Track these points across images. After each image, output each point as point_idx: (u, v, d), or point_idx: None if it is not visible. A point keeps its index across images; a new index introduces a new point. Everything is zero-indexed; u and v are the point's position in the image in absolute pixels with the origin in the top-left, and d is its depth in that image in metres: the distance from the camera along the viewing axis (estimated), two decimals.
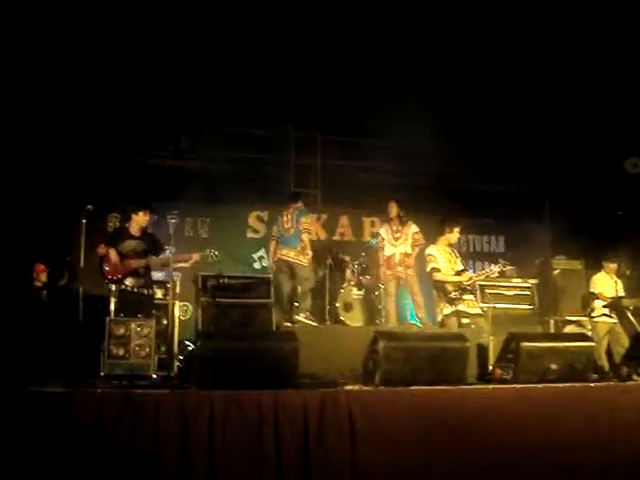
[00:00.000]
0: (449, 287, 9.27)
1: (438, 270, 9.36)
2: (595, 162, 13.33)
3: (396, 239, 10.20)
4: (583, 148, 13.26)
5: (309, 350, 7.14)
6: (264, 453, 5.93)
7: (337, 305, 10.71)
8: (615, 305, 10.46)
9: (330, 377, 7.28)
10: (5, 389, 5.95)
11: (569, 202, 13.61)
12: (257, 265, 12.70)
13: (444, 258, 9.50)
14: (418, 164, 13.15)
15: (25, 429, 5.65)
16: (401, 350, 6.98)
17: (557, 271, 11.17)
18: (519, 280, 10.83)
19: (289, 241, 10.29)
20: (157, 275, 9.56)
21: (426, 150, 13.10)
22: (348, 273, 11.27)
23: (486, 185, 13.78)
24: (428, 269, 9.53)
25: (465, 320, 9.22)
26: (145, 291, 8.71)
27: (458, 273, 9.44)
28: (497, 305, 9.99)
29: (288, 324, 9.59)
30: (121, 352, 7.33)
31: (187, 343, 9.44)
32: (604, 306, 10.44)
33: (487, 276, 9.71)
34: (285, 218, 10.42)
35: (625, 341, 9.92)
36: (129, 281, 8.62)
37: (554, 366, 7.34)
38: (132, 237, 8.83)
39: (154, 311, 8.74)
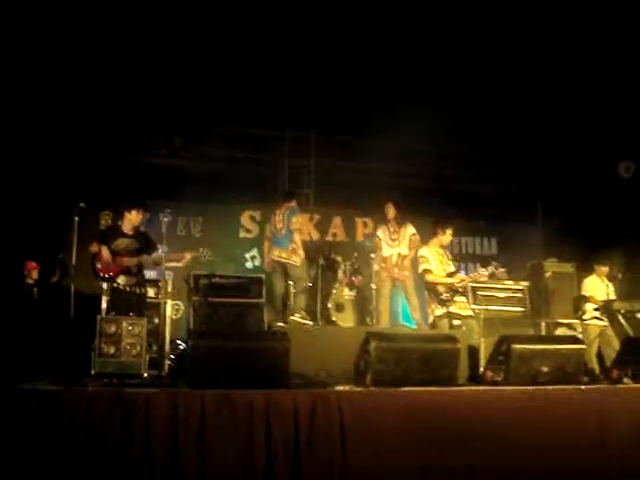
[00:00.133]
0: (441, 288, 9.28)
1: (430, 271, 9.37)
2: (588, 165, 13.36)
3: (393, 240, 10.19)
4: (576, 151, 13.28)
5: (300, 350, 7.14)
6: (255, 453, 5.94)
7: (329, 306, 10.71)
8: (606, 308, 10.47)
9: (321, 377, 7.28)
10: None
11: (561, 205, 13.64)
12: (249, 265, 12.69)
13: (436, 260, 9.51)
14: (411, 165, 13.16)
15: (16, 427, 5.65)
16: (392, 351, 7.00)
17: (549, 273, 11.17)
18: (511, 282, 10.84)
19: (281, 241, 10.27)
20: (149, 274, 9.55)
21: (420, 151, 13.14)
22: (340, 274, 11.26)
23: (479, 187, 13.79)
24: (420, 270, 9.54)
25: (456, 322, 9.23)
26: (137, 290, 8.68)
27: (450, 275, 9.45)
28: (489, 307, 10.00)
29: (280, 324, 9.58)
30: (112, 350, 7.31)
31: (178, 342, 9.43)
32: (595, 309, 10.46)
33: (476, 279, 9.72)
34: (277, 218, 10.40)
35: (616, 344, 9.92)
36: (121, 279, 8.59)
37: (545, 368, 7.36)
38: (125, 235, 8.80)
39: (146, 310, 8.70)
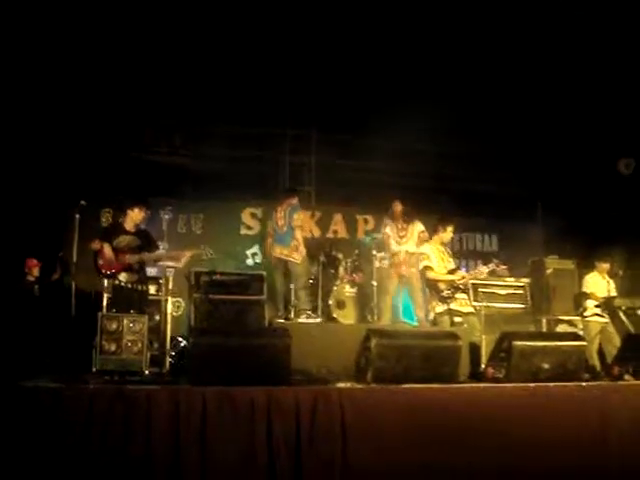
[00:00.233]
0: (441, 285, 9.29)
1: (431, 268, 9.39)
2: (588, 163, 13.34)
3: (401, 237, 10.17)
4: (576, 149, 13.27)
5: (301, 347, 7.15)
6: (256, 450, 5.94)
7: (330, 302, 10.70)
8: (607, 305, 10.48)
9: (322, 374, 7.28)
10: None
11: (562, 202, 13.63)
12: (250, 262, 12.68)
13: (437, 257, 9.52)
14: (412, 164, 13.13)
15: (17, 424, 5.65)
16: (393, 348, 7.00)
17: (550, 270, 11.17)
18: (512, 279, 10.84)
19: (282, 238, 10.27)
20: (150, 271, 9.55)
21: (420, 150, 13.12)
22: (341, 271, 11.25)
23: (480, 185, 13.76)
24: (421, 267, 9.55)
25: (457, 319, 9.24)
26: (138, 287, 8.68)
27: (451, 272, 9.45)
28: (490, 304, 9.99)
29: (281, 321, 9.58)
30: (113, 348, 7.32)
31: (179, 339, 9.43)
32: (596, 306, 10.46)
33: (477, 276, 9.73)
34: (279, 215, 10.40)
35: (617, 341, 9.93)
36: (123, 276, 8.59)
37: (546, 365, 7.36)
38: (127, 233, 8.80)
39: (147, 307, 8.70)
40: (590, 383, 7.49)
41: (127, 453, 5.74)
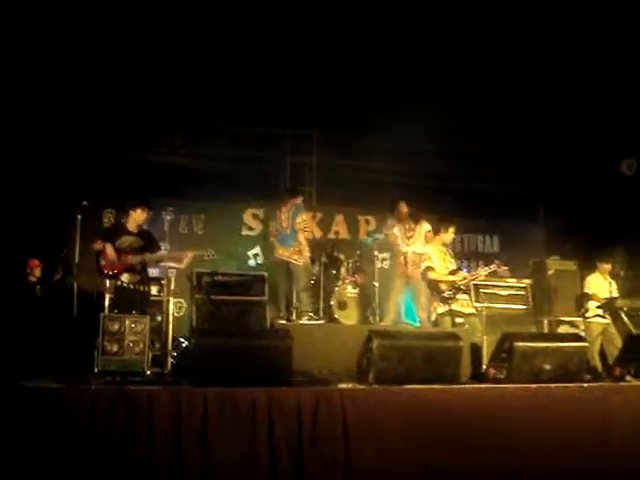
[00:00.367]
0: (443, 286, 9.30)
1: (432, 269, 9.39)
2: (590, 163, 13.34)
3: (408, 238, 10.18)
4: (578, 149, 13.27)
5: (303, 348, 7.15)
6: (258, 450, 5.95)
7: (331, 303, 10.70)
8: (609, 306, 10.47)
9: (324, 375, 7.29)
10: (0, 384, 5.95)
11: (563, 202, 13.63)
12: (252, 262, 12.68)
13: (438, 257, 9.54)
14: (414, 164, 13.14)
15: (19, 425, 5.66)
16: (395, 349, 7.01)
17: (551, 271, 11.15)
18: (513, 280, 10.82)
19: (285, 240, 10.27)
20: (152, 272, 9.55)
21: (422, 150, 13.13)
22: (342, 271, 11.25)
23: (481, 185, 13.77)
24: (422, 268, 9.55)
25: (459, 319, 9.25)
26: (140, 287, 8.68)
27: (452, 272, 9.46)
28: (491, 305, 9.98)
29: (282, 322, 9.58)
30: (115, 348, 7.32)
31: (181, 340, 9.43)
32: (598, 307, 10.45)
33: (478, 277, 9.72)
34: (283, 216, 10.39)
35: (618, 342, 9.92)
36: (125, 277, 8.58)
37: (548, 366, 7.37)
38: (129, 233, 8.80)
39: (149, 307, 8.71)
40: (591, 384, 7.50)
41: (129, 453, 5.75)
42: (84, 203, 8.88)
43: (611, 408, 7.07)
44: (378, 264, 10.67)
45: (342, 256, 11.42)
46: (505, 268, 9.84)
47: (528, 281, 10.83)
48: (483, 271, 9.60)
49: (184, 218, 12.46)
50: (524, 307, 10.34)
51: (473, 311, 9.39)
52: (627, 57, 10.96)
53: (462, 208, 12.73)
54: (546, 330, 10.67)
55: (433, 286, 9.41)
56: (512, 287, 10.41)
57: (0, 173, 10.70)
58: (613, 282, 10.81)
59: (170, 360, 8.56)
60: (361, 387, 6.87)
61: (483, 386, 7.31)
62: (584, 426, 6.91)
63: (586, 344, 8.11)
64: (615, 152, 13.38)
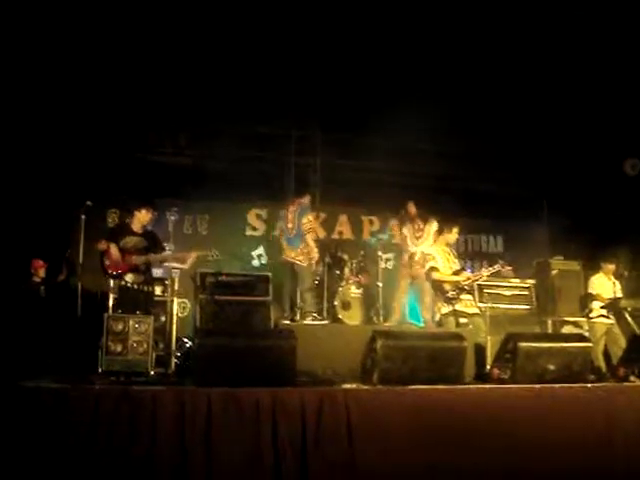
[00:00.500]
0: (447, 286, 9.28)
1: (436, 269, 9.39)
2: (594, 163, 13.33)
3: (417, 238, 10.20)
4: (582, 149, 13.25)
5: (307, 348, 7.15)
6: (262, 451, 5.94)
7: (335, 304, 10.71)
8: (613, 306, 10.46)
9: (328, 375, 7.29)
10: (2, 384, 5.95)
11: (567, 203, 13.62)
12: (256, 263, 12.70)
13: (442, 258, 9.52)
14: (417, 164, 13.14)
15: (22, 425, 5.66)
16: (399, 349, 7.01)
17: (555, 271, 11.16)
18: (517, 280, 10.84)
19: (292, 241, 10.23)
20: (156, 272, 9.56)
21: (425, 150, 13.12)
22: (346, 272, 11.26)
23: (485, 185, 13.77)
24: (426, 268, 9.55)
25: (463, 320, 9.23)
26: (145, 288, 8.69)
27: (456, 273, 9.45)
28: (495, 305, 10.00)
29: (286, 322, 9.58)
30: (119, 348, 7.33)
31: (185, 340, 9.44)
32: (602, 307, 10.44)
33: (481, 277, 9.71)
34: (289, 217, 10.35)
35: (622, 342, 9.92)
36: (129, 277, 8.58)
37: (552, 366, 7.36)
38: (134, 234, 8.81)
39: (153, 308, 8.71)
40: (595, 384, 7.49)
41: (132, 454, 5.75)
42: (88, 203, 8.89)
43: (615, 408, 7.06)
44: (382, 264, 10.69)
45: (346, 256, 11.44)
46: (509, 268, 9.84)
47: (532, 281, 10.87)
48: (487, 271, 9.59)
49: (188, 218, 12.48)
50: (528, 307, 10.39)
51: (477, 311, 9.39)
52: (630, 57, 10.94)
53: (466, 208, 12.72)
54: (550, 330, 10.68)
55: (437, 286, 9.40)
56: (516, 287, 10.47)
57: (5, 174, 10.72)
58: (617, 282, 10.81)
59: (174, 360, 8.58)
60: (365, 387, 6.86)
61: (487, 386, 7.31)
62: (588, 426, 6.90)
63: (590, 344, 8.10)
64: (619, 152, 13.37)
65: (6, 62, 10.15)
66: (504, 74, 11.52)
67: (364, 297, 10.99)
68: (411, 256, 10.16)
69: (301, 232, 10.10)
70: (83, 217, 8.86)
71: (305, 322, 9.69)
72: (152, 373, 7.42)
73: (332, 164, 13.34)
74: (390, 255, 12.09)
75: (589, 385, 7.33)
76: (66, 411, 5.76)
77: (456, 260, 9.79)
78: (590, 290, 10.71)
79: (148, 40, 10.52)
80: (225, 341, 6.76)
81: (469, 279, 9.37)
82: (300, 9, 10.21)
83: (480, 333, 9.00)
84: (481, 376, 8.02)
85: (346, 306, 10.82)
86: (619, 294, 10.68)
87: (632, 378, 8.00)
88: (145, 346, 7.40)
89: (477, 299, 9.81)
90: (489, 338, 8.87)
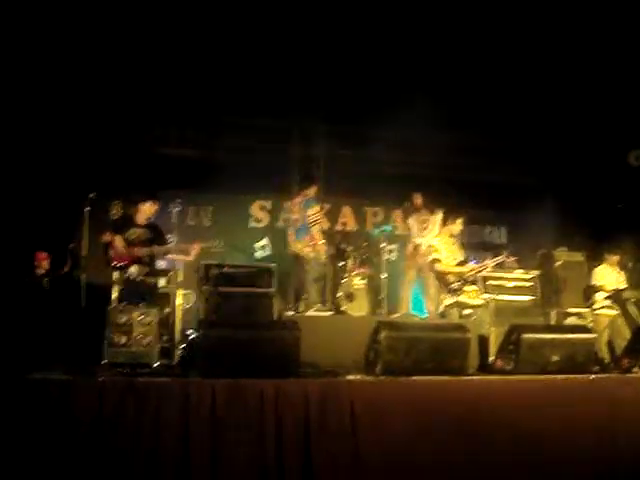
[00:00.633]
0: (450, 278, 9.29)
1: (439, 261, 9.38)
2: (598, 154, 13.30)
3: (423, 229, 10.20)
4: (586, 140, 13.23)
5: (311, 340, 7.15)
6: (265, 441, 5.96)
7: (339, 295, 10.71)
8: (617, 297, 10.46)
9: (332, 367, 7.29)
10: (7, 377, 5.97)
11: (571, 193, 13.60)
12: (259, 254, 12.71)
13: (446, 249, 9.52)
14: (421, 155, 13.13)
15: (27, 417, 5.68)
16: (403, 340, 7.01)
17: (559, 263, 11.15)
18: (521, 271, 10.82)
19: (298, 233, 10.24)
20: (160, 263, 9.57)
21: (429, 141, 13.09)
22: (350, 263, 11.25)
23: (488, 176, 13.75)
24: (429, 259, 9.55)
25: (466, 311, 9.24)
26: (149, 279, 8.70)
27: (460, 264, 9.45)
28: (499, 296, 9.98)
29: (290, 313, 9.60)
30: (123, 340, 7.33)
31: (189, 332, 9.45)
32: (606, 298, 10.44)
33: (485, 269, 9.71)
34: (295, 209, 10.34)
35: (626, 333, 9.92)
36: (133, 269, 8.60)
37: (555, 358, 7.37)
38: (138, 226, 8.82)
39: (157, 299, 8.72)
40: (599, 376, 7.49)
41: (137, 445, 5.77)
42: (92, 195, 8.89)
43: (619, 400, 7.07)
44: (385, 256, 10.67)
45: (349, 248, 11.43)
46: (513, 259, 9.84)
47: (536, 272, 10.84)
48: (491, 262, 9.60)
49: (192, 210, 12.51)
50: (532, 298, 10.34)
51: (481, 302, 9.39)
52: (635, 49, 10.91)
53: (470, 199, 12.71)
54: (554, 322, 10.67)
55: (441, 278, 9.42)
56: (520, 278, 10.42)
57: (8, 166, 10.73)
58: (621, 273, 10.80)
59: (178, 352, 8.59)
60: (369, 379, 6.88)
61: (491, 378, 7.32)
62: (592, 418, 6.91)
63: (594, 336, 8.10)
64: (623, 143, 13.34)
65: (11, 55, 10.15)
66: (508, 64, 11.49)
67: (368, 289, 10.99)
68: (416, 247, 10.16)
69: (307, 224, 10.10)
70: (87, 209, 8.85)
71: (309, 313, 9.71)
72: (156, 365, 7.42)
73: (335, 155, 13.32)
74: (394, 246, 12.08)
75: (592, 376, 7.33)
76: (71, 403, 5.78)
77: (460, 251, 9.78)
78: (594, 281, 10.71)
79: (153, 32, 10.51)
80: (229, 332, 6.77)
81: (473, 270, 9.37)
82: (305, 3, 10.22)
83: (484, 324, 9.00)
84: (485, 367, 8.03)
85: (350, 297, 10.82)
86: (623, 285, 10.68)
87: (635, 369, 7.99)
88: (149, 338, 7.41)
89: (481, 290, 9.80)
90: (493, 329, 8.86)
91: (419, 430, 6.38)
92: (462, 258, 9.67)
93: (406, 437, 6.32)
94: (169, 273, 9.66)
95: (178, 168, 12.13)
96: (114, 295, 8.57)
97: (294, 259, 10.28)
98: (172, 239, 9.03)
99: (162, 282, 9.54)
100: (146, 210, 8.88)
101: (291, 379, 6.38)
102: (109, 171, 11.34)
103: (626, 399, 7.09)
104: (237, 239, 12.26)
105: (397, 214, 13.34)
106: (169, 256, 9.31)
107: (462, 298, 9.24)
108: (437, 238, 9.68)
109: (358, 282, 11.02)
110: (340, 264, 11.15)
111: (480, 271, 9.60)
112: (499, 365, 7.56)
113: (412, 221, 10.41)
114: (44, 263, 10.63)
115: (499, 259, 9.46)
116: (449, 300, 9.31)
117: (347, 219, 13.52)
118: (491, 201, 13.75)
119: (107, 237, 8.57)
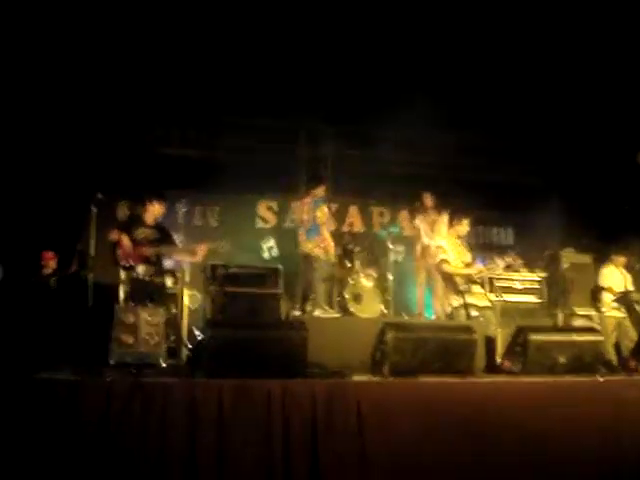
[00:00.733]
0: (458, 279, 9.27)
1: (448, 262, 9.37)
2: (605, 155, 13.28)
3: (432, 230, 10.19)
4: (593, 140, 13.21)
5: (318, 340, 7.16)
6: (273, 442, 5.96)
7: (346, 296, 10.70)
8: (624, 299, 10.44)
9: (339, 367, 7.29)
10: (14, 377, 5.98)
11: (578, 194, 13.58)
12: (266, 255, 12.72)
13: (453, 250, 9.50)
14: (427, 155, 13.14)
15: (34, 416, 5.69)
16: (409, 341, 7.01)
17: (566, 264, 11.12)
18: (528, 273, 10.81)
19: (309, 233, 10.24)
20: (167, 264, 9.58)
21: (436, 141, 13.10)
22: (357, 264, 11.25)
23: (495, 177, 13.76)
24: (437, 260, 9.54)
25: (473, 312, 9.22)
26: (156, 279, 8.71)
27: (467, 265, 9.44)
28: (506, 297, 9.96)
29: (298, 313, 9.60)
30: (130, 340, 7.34)
31: (196, 332, 9.46)
32: (613, 300, 10.42)
33: (493, 270, 9.69)
34: (304, 208, 10.34)
35: (634, 335, 9.90)
36: (140, 269, 8.61)
37: (562, 359, 7.35)
38: (145, 226, 8.85)
39: (164, 300, 8.73)
40: (606, 377, 7.47)
41: (144, 445, 5.78)
42: (99, 195, 8.91)
43: (625, 401, 7.05)
44: (392, 257, 10.67)
45: (357, 248, 11.43)
46: (520, 260, 9.83)
47: (543, 274, 10.82)
48: (499, 263, 9.58)
49: (199, 210, 12.54)
50: (539, 300, 10.32)
51: (488, 304, 9.36)
52: None
53: (476, 200, 12.69)
54: (561, 323, 10.65)
55: (448, 279, 9.39)
56: (527, 280, 10.40)
57: (16, 167, 10.76)
58: (628, 275, 10.78)
59: (185, 352, 8.60)
60: (375, 379, 6.87)
61: (498, 379, 7.31)
62: (596, 418, 6.89)
63: (601, 337, 8.09)
64: (632, 144, 13.30)
65: (18, 55, 10.18)
66: (515, 64, 11.49)
67: (375, 289, 10.99)
68: (425, 248, 10.15)
69: (317, 224, 10.10)
70: (94, 209, 8.87)
71: (316, 314, 9.71)
72: (163, 365, 7.44)
73: (342, 155, 13.32)
74: (401, 247, 12.09)
75: (600, 378, 7.31)
76: (78, 403, 5.78)
77: (467, 252, 9.77)
78: (601, 282, 10.69)
79: (158, 32, 10.54)
80: (236, 333, 6.77)
81: (482, 272, 9.35)
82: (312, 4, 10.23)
83: (491, 325, 8.98)
84: (492, 368, 8.02)
85: (357, 298, 10.81)
86: (630, 287, 10.65)
87: None
88: (156, 338, 7.42)
89: (488, 291, 9.78)
90: (500, 331, 8.84)
91: (426, 431, 6.37)
92: (469, 259, 9.65)
93: (413, 438, 6.31)
94: (176, 273, 9.67)
95: (185, 168, 12.17)
96: (121, 295, 8.58)
97: (303, 259, 10.28)
98: (179, 239, 9.03)
99: (169, 282, 9.56)
100: (154, 210, 8.91)
101: (298, 380, 6.37)
102: (116, 171, 11.38)
103: (633, 401, 7.07)
104: (244, 239, 12.27)
105: (403, 215, 13.33)
106: (176, 257, 9.32)
107: (469, 299, 9.22)
108: (445, 239, 9.66)
109: (365, 283, 11.01)
110: (347, 265, 11.14)
111: (488, 273, 9.58)
112: (506, 366, 7.55)
113: (420, 222, 10.40)
114: (51, 263, 10.66)
115: (506, 261, 9.43)
116: (456, 302, 9.28)
117: (354, 219, 13.53)
118: (498, 202, 13.75)
119: (115, 235, 8.59)
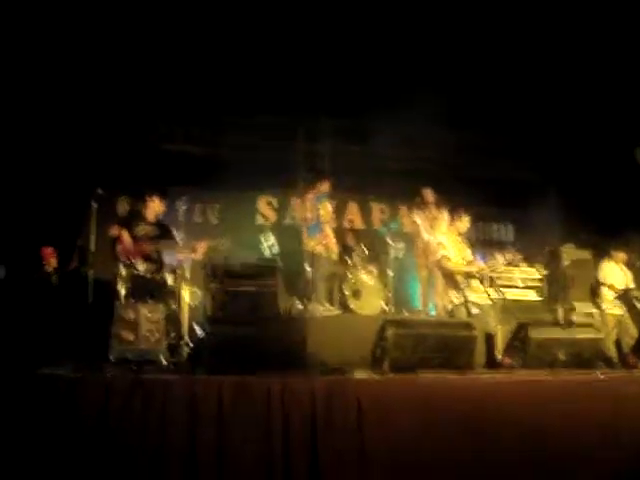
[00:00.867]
0: (458, 276, 9.26)
1: (448, 259, 9.36)
2: (605, 151, 13.26)
3: (432, 226, 10.18)
4: (593, 136, 13.20)
5: (318, 337, 7.17)
6: (272, 438, 5.97)
7: (346, 293, 10.70)
8: (624, 296, 10.44)
9: (339, 364, 7.30)
10: (15, 372, 5.99)
11: (578, 190, 13.57)
12: (267, 252, 12.69)
13: (454, 247, 9.50)
14: (427, 151, 13.13)
15: (34, 412, 5.70)
16: (410, 337, 7.03)
17: (566, 260, 11.12)
18: (528, 269, 10.80)
19: (310, 230, 10.24)
20: (167, 260, 9.58)
21: (435, 138, 13.09)
22: (357, 260, 11.24)
23: (495, 173, 13.74)
24: (438, 257, 9.53)
25: (474, 309, 9.22)
26: (156, 276, 8.72)
27: (469, 263, 9.43)
28: (506, 294, 9.96)
29: (298, 309, 9.61)
30: (131, 337, 7.35)
31: (196, 329, 9.45)
32: (615, 298, 10.41)
33: (494, 267, 9.68)
34: (307, 205, 10.34)
35: (634, 332, 9.91)
36: (141, 265, 8.62)
37: (562, 356, 7.36)
38: (146, 222, 8.85)
39: (164, 296, 8.73)
40: (606, 374, 7.48)
41: (143, 442, 5.79)
42: (99, 191, 8.90)
43: (625, 398, 7.06)
44: (393, 253, 10.66)
45: (357, 245, 11.43)
46: (520, 257, 9.82)
47: (543, 270, 10.82)
48: (500, 260, 9.57)
49: (199, 207, 12.52)
50: (539, 296, 10.33)
51: (488, 300, 9.36)
52: None
53: (476, 196, 12.68)
54: (561, 319, 10.65)
55: (448, 276, 9.39)
56: (527, 276, 10.41)
57: (16, 163, 10.75)
58: (629, 272, 10.78)
59: (185, 349, 8.59)
60: (375, 376, 6.88)
61: (498, 375, 7.32)
62: (595, 415, 6.90)
63: (601, 334, 8.10)
64: (631, 140, 13.30)
65: (20, 51, 10.18)
66: (514, 60, 11.48)
67: (375, 286, 10.98)
68: (426, 245, 10.14)
69: (319, 221, 10.10)
70: (94, 205, 8.87)
71: (317, 311, 9.71)
72: (164, 361, 7.44)
73: (342, 151, 13.29)
74: (401, 244, 12.07)
75: (599, 374, 7.33)
76: (78, 399, 5.79)
77: (467, 249, 9.77)
78: (601, 278, 10.68)
79: (160, 28, 10.54)
80: (236, 330, 6.79)
81: (482, 269, 9.35)
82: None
83: (491, 322, 8.98)
84: (492, 365, 8.03)
85: (357, 295, 10.81)
86: (631, 284, 10.65)
87: None
88: (157, 335, 7.43)
89: (487, 288, 9.78)
90: (500, 327, 8.84)
91: (425, 427, 6.38)
92: (470, 257, 9.65)
93: (412, 434, 6.32)
94: (176, 270, 9.67)
95: (185, 164, 12.15)
96: (122, 291, 8.57)
97: (306, 256, 10.27)
98: (179, 236, 9.03)
99: (169, 279, 9.56)
100: (155, 207, 8.92)
101: (298, 376, 6.38)
102: (116, 167, 11.36)
103: (632, 397, 7.08)
104: (244, 236, 12.25)
105: (403, 211, 13.33)
106: (176, 254, 9.31)
107: (470, 296, 9.22)
108: (445, 236, 9.65)
109: (365, 279, 11.00)
110: (347, 261, 11.13)
111: (489, 270, 9.57)
112: (506, 362, 7.57)
113: (420, 218, 10.39)
114: (52, 259, 10.65)
115: (507, 257, 9.43)
116: (457, 299, 9.28)
117: (354, 216, 13.52)
118: (497, 198, 13.73)
119: (115, 231, 8.59)
